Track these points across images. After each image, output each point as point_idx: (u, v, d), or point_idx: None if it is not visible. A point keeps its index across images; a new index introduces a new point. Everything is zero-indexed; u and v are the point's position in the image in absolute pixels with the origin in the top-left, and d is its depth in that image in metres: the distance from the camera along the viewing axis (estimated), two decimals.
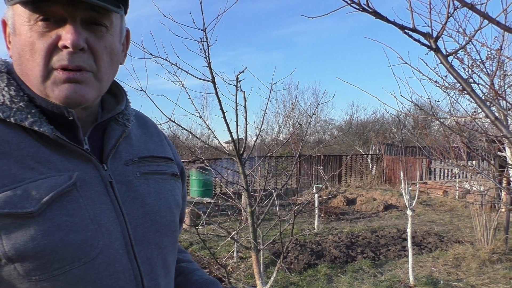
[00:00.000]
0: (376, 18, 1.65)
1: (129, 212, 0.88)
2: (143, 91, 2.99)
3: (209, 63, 2.75)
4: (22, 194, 0.74)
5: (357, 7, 1.62)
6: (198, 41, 2.70)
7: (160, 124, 3.20)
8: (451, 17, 1.95)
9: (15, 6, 0.82)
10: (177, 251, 1.06)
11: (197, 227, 2.95)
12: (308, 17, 1.84)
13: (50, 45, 0.80)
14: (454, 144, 4.62)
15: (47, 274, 0.75)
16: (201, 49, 2.71)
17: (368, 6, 1.60)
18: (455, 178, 12.51)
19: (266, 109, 3.26)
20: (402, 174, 5.74)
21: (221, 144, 3.41)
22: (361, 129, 26.15)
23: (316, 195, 8.13)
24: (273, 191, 3.44)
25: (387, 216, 10.36)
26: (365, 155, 17.20)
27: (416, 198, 5.84)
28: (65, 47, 0.80)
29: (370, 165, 16.66)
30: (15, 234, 0.73)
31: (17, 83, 0.85)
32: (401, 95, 2.47)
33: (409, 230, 5.54)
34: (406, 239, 6.35)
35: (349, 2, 1.62)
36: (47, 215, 0.76)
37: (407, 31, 1.67)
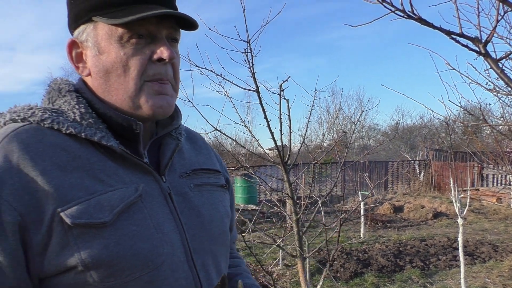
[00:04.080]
0: (422, 25, 1.63)
1: (186, 222, 0.93)
2: (189, 101, 3.08)
3: (253, 73, 2.79)
4: (95, 205, 0.80)
5: (402, 14, 1.61)
6: (242, 52, 2.75)
7: (206, 134, 3.27)
8: (501, 20, 1.89)
9: (98, 28, 0.89)
10: (229, 259, 1.10)
11: (243, 234, 2.98)
12: (352, 26, 1.84)
13: (145, 60, 0.88)
14: (508, 149, 4.43)
15: (120, 280, 0.80)
16: (245, 60, 2.76)
17: (413, 13, 1.59)
18: (510, 184, 11.93)
19: (309, 117, 3.27)
20: (452, 181, 5.55)
21: (265, 152, 3.44)
22: (407, 134, 25.50)
23: (361, 203, 8.00)
24: (318, 198, 3.43)
25: (436, 224, 10.02)
26: (412, 161, 16.73)
27: (467, 206, 5.62)
28: (161, 59, 0.89)
29: (418, 171, 16.18)
30: (90, 243, 0.78)
31: (86, 100, 0.91)
32: (449, 100, 2.41)
33: (460, 239, 5.34)
34: (457, 249, 6.12)
35: (393, 9, 1.61)
36: (117, 225, 0.81)
37: (454, 36, 1.64)
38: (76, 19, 0.92)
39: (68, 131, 0.85)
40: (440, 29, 1.59)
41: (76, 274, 0.78)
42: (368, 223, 9.67)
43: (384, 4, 1.56)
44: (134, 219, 0.84)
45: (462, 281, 5.20)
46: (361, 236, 8.50)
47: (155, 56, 0.88)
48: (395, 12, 1.60)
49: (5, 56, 47.97)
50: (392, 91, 2.34)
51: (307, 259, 3.39)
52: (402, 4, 1.57)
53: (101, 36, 0.89)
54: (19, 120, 0.86)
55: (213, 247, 0.98)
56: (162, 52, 0.88)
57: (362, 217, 8.74)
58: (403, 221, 10.65)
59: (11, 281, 0.75)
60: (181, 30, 0.95)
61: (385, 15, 1.62)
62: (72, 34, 0.95)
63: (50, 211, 0.77)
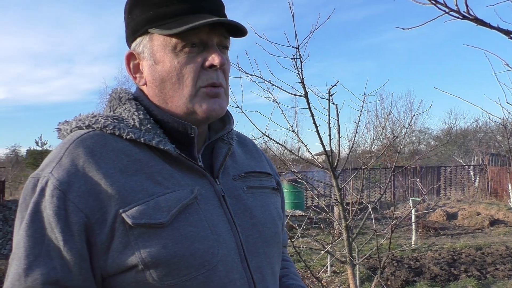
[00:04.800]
0: (478, 25, 1.57)
1: (240, 224, 0.95)
2: (238, 107, 3.12)
3: (302, 79, 2.80)
4: (154, 206, 0.84)
5: (457, 15, 1.56)
6: (291, 58, 2.76)
7: (255, 139, 3.30)
8: None
9: (154, 39, 0.94)
10: (281, 260, 1.11)
11: (292, 240, 2.98)
12: (403, 29, 1.81)
13: (197, 67, 0.92)
14: None
15: (177, 279, 0.83)
16: (293, 65, 2.77)
17: (469, 13, 1.53)
18: None
19: (358, 121, 3.22)
20: (510, 187, 5.28)
21: (313, 157, 3.42)
22: (461, 138, 24.53)
23: (413, 209, 7.77)
24: (368, 205, 3.37)
25: (493, 232, 9.56)
26: (467, 166, 16.07)
27: None
28: (213, 66, 0.92)
29: (473, 177, 15.52)
30: (150, 242, 0.82)
31: (144, 107, 0.96)
32: (507, 102, 2.29)
33: None
34: None
35: (448, 10, 1.57)
36: (175, 225, 0.84)
37: None
38: (133, 32, 0.97)
39: (128, 137, 0.90)
40: (498, 29, 1.53)
41: (137, 273, 0.82)
42: (420, 230, 9.37)
43: (437, 5, 1.52)
44: (190, 220, 0.87)
45: None
46: (413, 243, 8.25)
47: (207, 63, 0.92)
48: (449, 13, 1.55)
49: (65, 68, 50.82)
50: (445, 93, 2.26)
51: (357, 266, 3.33)
52: (456, 5, 1.52)
53: (156, 47, 0.93)
54: (84, 127, 0.92)
55: (267, 249, 0.99)
56: (214, 58, 0.92)
57: (413, 224, 8.49)
58: (457, 228, 10.24)
59: (76, 278, 0.80)
60: (230, 38, 0.99)
61: (438, 16, 1.58)
62: (129, 47, 1.00)
63: (113, 212, 0.81)
